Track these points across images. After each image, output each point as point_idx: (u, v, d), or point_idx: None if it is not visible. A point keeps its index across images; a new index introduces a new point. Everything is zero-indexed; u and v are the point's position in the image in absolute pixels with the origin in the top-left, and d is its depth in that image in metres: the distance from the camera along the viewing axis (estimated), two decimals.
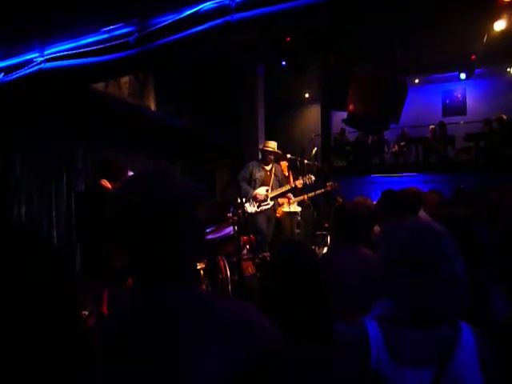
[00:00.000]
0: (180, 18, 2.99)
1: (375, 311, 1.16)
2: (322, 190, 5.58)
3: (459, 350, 1.04)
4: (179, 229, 0.86)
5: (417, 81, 11.12)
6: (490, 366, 1.04)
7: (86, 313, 3.70)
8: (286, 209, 5.49)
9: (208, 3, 2.91)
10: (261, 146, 5.34)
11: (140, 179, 0.92)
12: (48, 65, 3.63)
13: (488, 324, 1.24)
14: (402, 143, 10.90)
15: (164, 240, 0.84)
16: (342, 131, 11.28)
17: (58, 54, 3.61)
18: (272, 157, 5.14)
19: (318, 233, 6.82)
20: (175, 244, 0.85)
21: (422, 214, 3.53)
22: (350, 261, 2.22)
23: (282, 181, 5.24)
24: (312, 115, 12.23)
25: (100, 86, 5.12)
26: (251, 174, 5.02)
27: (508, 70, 9.39)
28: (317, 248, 5.39)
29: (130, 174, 4.38)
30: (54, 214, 5.21)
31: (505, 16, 6.44)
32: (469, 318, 1.13)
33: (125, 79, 5.65)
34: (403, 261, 1.08)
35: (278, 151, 5.20)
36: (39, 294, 0.69)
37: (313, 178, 5.26)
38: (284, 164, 5.72)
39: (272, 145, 5.15)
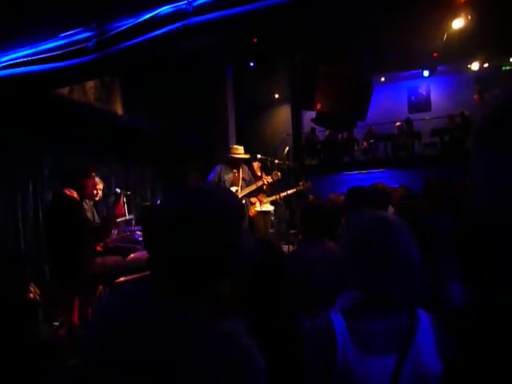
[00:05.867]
0: (138, 23, 2.98)
1: (340, 303, 1.19)
2: (295, 190, 5.66)
3: (418, 336, 1.08)
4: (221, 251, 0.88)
5: (383, 79, 11.37)
6: (446, 351, 1.08)
7: (57, 323, 3.61)
8: (258, 208, 5.51)
9: (165, 7, 2.91)
10: (229, 154, 5.32)
11: (187, 195, 0.93)
12: (5, 72, 3.53)
13: (445, 310, 1.30)
14: (371, 140, 11.12)
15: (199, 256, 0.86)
16: (312, 130, 11.42)
17: (15, 61, 3.51)
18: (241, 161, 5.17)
19: (291, 231, 6.89)
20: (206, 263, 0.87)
21: (389, 208, 3.64)
22: (316, 255, 2.27)
23: (250, 181, 5.24)
24: (282, 115, 12.34)
25: (64, 91, 5.00)
26: (220, 177, 5.00)
27: (468, 66, 9.72)
28: (290, 246, 5.44)
29: (97, 180, 4.30)
30: (20, 223, 5.06)
31: (462, 14, 6.70)
32: (427, 304, 1.18)
33: (90, 84, 5.53)
34: (361, 251, 1.13)
35: (246, 155, 5.22)
36: None
37: (279, 174, 5.31)
38: (256, 165, 5.73)
39: (240, 150, 5.15)
